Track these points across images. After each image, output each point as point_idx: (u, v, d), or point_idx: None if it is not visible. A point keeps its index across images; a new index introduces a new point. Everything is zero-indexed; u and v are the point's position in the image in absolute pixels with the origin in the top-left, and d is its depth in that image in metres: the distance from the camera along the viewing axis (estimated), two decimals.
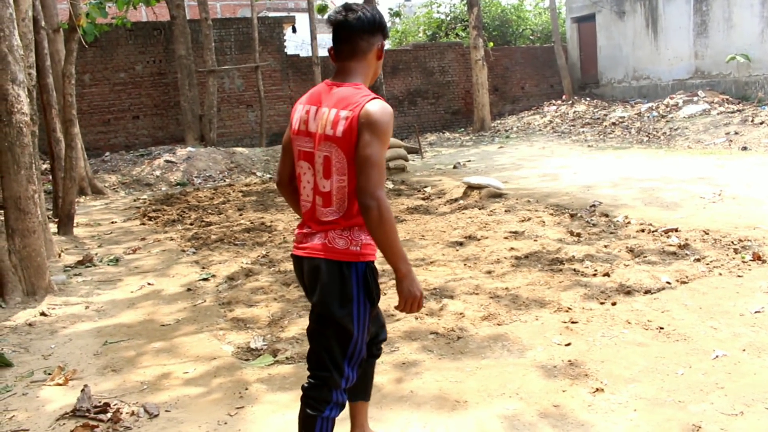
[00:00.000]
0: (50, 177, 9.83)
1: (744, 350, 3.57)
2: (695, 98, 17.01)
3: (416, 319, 4.35)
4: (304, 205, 2.40)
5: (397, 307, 2.31)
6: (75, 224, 8.34)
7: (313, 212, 2.34)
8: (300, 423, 2.37)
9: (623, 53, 20.48)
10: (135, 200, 11.28)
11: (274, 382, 3.56)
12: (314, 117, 2.31)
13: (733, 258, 5.24)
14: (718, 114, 15.33)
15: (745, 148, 12.05)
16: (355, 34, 2.30)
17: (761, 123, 13.53)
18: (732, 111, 15.31)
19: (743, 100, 16.52)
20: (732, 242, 5.67)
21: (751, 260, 5.13)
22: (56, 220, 8.38)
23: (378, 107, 2.20)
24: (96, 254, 6.96)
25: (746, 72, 16.76)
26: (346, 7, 2.33)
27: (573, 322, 4.13)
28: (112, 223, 9.11)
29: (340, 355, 2.30)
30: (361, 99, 2.22)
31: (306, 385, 2.37)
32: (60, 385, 3.68)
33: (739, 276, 4.82)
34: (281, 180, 2.57)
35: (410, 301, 2.26)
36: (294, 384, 3.52)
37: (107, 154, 15.48)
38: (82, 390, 3.40)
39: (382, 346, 2.76)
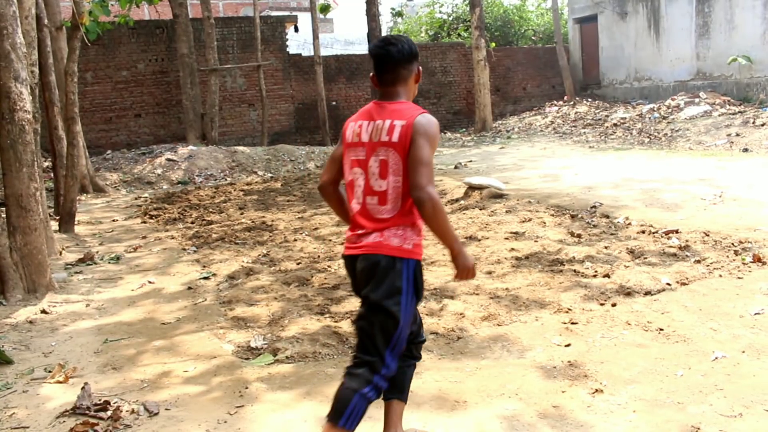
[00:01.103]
0: (52, 174, 9.85)
1: (743, 352, 3.57)
2: (697, 99, 17.01)
3: None
4: (355, 207, 2.64)
5: (455, 277, 2.62)
6: (76, 222, 8.35)
7: (366, 212, 2.58)
8: (336, 396, 2.49)
9: (625, 54, 20.47)
10: (136, 198, 11.30)
11: (274, 381, 3.57)
12: (367, 129, 2.59)
13: (734, 260, 5.24)
14: (719, 115, 15.32)
15: (746, 150, 12.04)
16: (397, 64, 2.62)
17: (762, 125, 13.52)
18: (733, 112, 15.31)
19: (745, 101, 16.52)
20: (732, 244, 5.67)
21: (751, 262, 5.13)
22: (57, 217, 8.40)
23: (428, 118, 2.55)
24: (97, 252, 6.97)
25: (748, 74, 16.75)
26: (386, 41, 2.65)
27: (573, 323, 4.13)
28: (113, 221, 9.12)
29: (384, 344, 2.49)
30: (414, 112, 2.55)
31: (350, 365, 2.55)
32: (60, 382, 3.69)
33: (739, 278, 4.83)
34: (324, 184, 2.79)
35: (465, 271, 2.57)
36: (294, 383, 3.53)
37: (109, 152, 15.51)
38: (83, 388, 3.40)
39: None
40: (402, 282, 2.49)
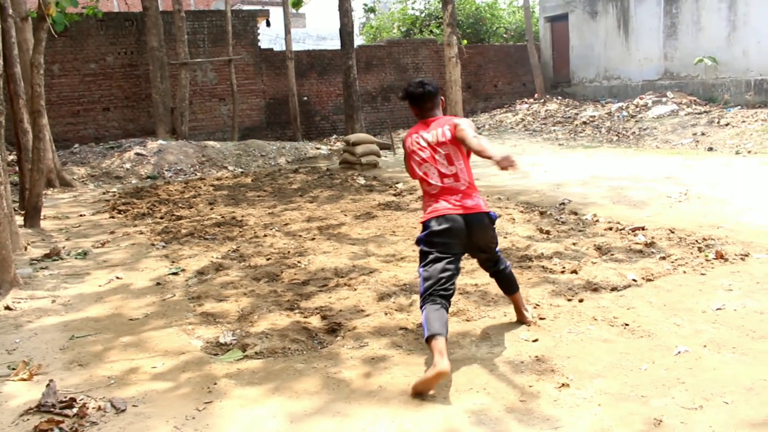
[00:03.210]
0: (17, 168, 9.66)
1: (705, 346, 3.66)
2: (664, 99, 17.29)
3: (385, 314, 4.38)
4: (436, 188, 3.76)
5: (498, 164, 3.39)
6: (42, 217, 8.21)
7: (446, 188, 3.74)
8: (505, 282, 4.03)
9: (595, 53, 20.72)
10: (104, 193, 11.14)
11: (243, 377, 3.56)
12: (425, 137, 3.82)
13: (697, 256, 5.35)
14: (685, 115, 15.60)
15: (711, 149, 12.29)
16: (432, 97, 3.90)
17: (727, 125, 13.81)
18: (699, 112, 15.60)
19: (710, 101, 16.83)
20: (696, 241, 5.79)
21: (714, 258, 5.25)
22: (23, 212, 8.25)
23: (463, 118, 3.85)
24: (63, 247, 6.86)
25: (713, 74, 17.07)
26: (422, 84, 3.89)
27: (541, 319, 4.18)
28: (81, 216, 8.98)
29: (495, 248, 3.93)
30: (453, 118, 3.84)
31: (491, 270, 4.01)
32: (24, 380, 3.63)
33: (702, 274, 4.93)
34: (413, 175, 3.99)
35: (504, 161, 3.34)
36: (263, 379, 3.52)
37: (76, 146, 15.22)
38: (48, 385, 3.36)
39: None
40: (492, 224, 3.81)
